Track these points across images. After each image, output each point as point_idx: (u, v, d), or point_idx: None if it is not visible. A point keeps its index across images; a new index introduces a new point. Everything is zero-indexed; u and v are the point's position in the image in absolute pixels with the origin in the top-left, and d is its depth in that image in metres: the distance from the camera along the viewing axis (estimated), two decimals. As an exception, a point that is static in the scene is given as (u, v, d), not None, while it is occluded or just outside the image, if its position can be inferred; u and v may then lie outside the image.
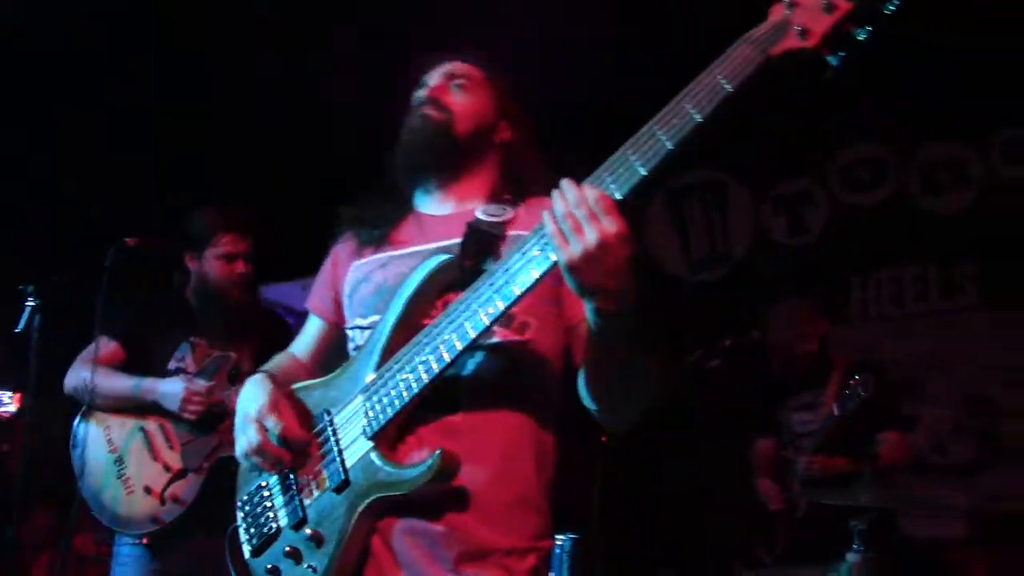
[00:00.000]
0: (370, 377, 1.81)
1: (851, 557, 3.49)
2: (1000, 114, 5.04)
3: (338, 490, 1.78)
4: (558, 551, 3.09)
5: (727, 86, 1.50)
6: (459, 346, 1.68)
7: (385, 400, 1.75)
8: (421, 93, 2.04)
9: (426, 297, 1.83)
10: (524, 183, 2.00)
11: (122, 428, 3.19)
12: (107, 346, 3.17)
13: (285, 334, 3.59)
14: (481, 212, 1.92)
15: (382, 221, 2.03)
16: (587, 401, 1.81)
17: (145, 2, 4.88)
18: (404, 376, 1.74)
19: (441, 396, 1.76)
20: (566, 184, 1.54)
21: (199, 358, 3.29)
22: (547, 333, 1.87)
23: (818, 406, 4.21)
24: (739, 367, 4.14)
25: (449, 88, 2.03)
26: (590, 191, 1.51)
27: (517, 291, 1.63)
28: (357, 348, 1.96)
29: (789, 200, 5.72)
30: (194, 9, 4.94)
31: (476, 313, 1.66)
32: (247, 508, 1.98)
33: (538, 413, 1.86)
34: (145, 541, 3.09)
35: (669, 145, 1.52)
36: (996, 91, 4.88)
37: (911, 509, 4.54)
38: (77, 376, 3.20)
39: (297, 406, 1.93)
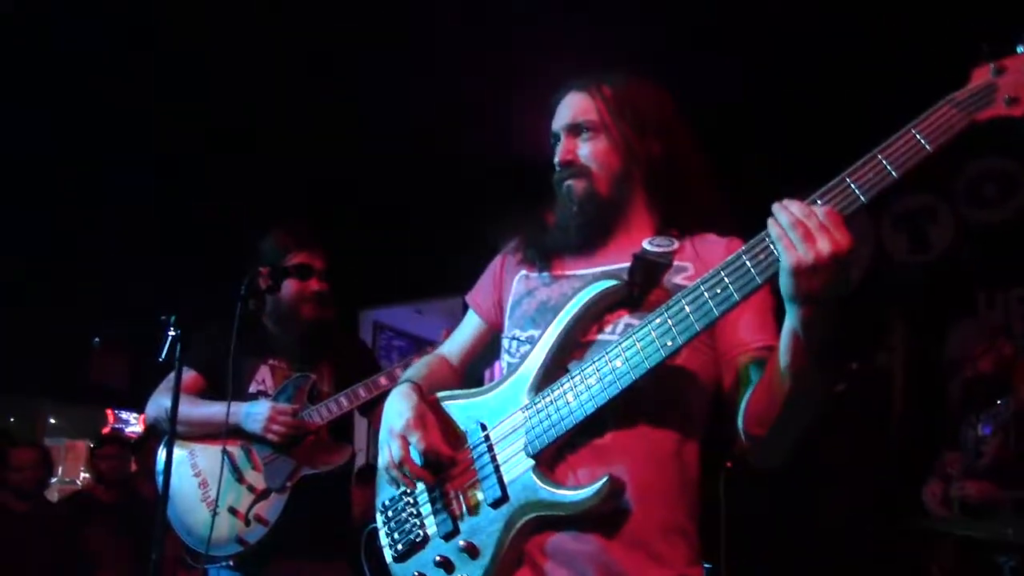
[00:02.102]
0: (529, 395, 1.82)
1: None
2: None
3: (495, 505, 1.79)
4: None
5: (928, 147, 1.50)
6: (633, 376, 1.68)
7: (548, 421, 1.75)
8: (558, 158, 2.03)
9: (587, 319, 1.84)
10: (687, 211, 2.00)
11: (205, 453, 3.21)
12: (187, 374, 3.16)
13: (364, 355, 3.60)
14: (648, 243, 1.93)
15: (551, 243, 2.05)
16: (751, 429, 1.75)
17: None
18: (570, 398, 1.74)
19: (590, 418, 1.75)
20: (788, 200, 1.54)
21: (279, 380, 3.31)
22: (698, 360, 1.85)
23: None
24: (865, 391, 4.02)
25: (579, 143, 2.02)
26: (817, 207, 1.52)
27: (698, 327, 1.62)
28: (511, 361, 1.98)
29: (910, 216, 5.54)
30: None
31: (653, 343, 1.66)
32: (390, 513, 2.00)
33: (684, 439, 1.84)
34: (232, 564, 3.10)
35: (863, 199, 1.52)
36: None
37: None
38: (158, 406, 3.21)
39: (444, 417, 1.96)
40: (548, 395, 1.78)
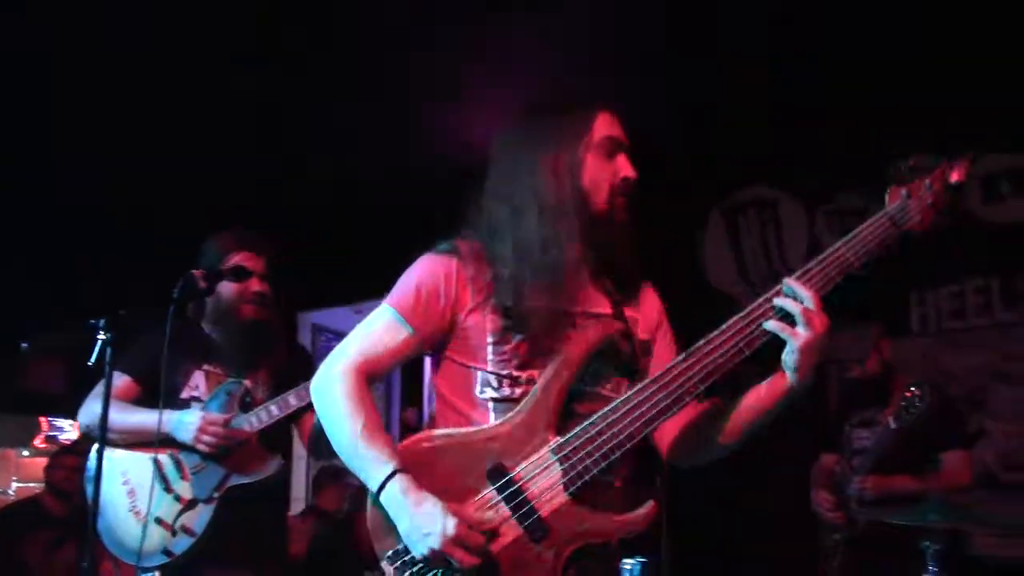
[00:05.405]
0: (550, 434, 1.92)
1: (927, 580, 3.41)
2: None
3: (538, 540, 1.86)
4: (628, 575, 3.07)
5: (855, 264, 1.98)
6: (670, 413, 1.92)
7: (589, 460, 1.89)
8: (629, 172, 2.09)
9: (592, 369, 1.98)
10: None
11: (134, 461, 3.17)
12: (120, 380, 3.15)
13: (303, 361, 3.56)
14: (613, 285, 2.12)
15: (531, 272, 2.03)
16: (690, 461, 2.16)
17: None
18: (606, 437, 1.90)
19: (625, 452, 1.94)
20: (798, 286, 1.91)
21: (212, 386, 3.27)
22: None
23: (877, 423, 4.14)
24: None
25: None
26: (811, 290, 1.91)
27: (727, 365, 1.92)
28: (505, 396, 1.99)
29: (844, 215, 5.65)
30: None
31: (685, 386, 1.91)
32: (406, 559, 1.91)
33: None
34: (158, 574, 3.08)
35: (837, 280, 1.95)
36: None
37: (981, 529, 4.44)
38: (90, 412, 3.17)
39: (442, 463, 1.93)
40: (582, 436, 1.91)
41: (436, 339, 2.07)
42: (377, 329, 2.06)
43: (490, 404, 1.99)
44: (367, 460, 1.91)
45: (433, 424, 2.08)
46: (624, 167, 2.08)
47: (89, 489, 3.03)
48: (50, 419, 8.31)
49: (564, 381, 1.93)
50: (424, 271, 2.06)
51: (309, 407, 3.14)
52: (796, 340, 1.86)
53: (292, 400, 3.15)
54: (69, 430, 8.02)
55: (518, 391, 1.97)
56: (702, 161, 5.58)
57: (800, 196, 5.80)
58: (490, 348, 2.01)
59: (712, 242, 6.04)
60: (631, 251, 2.11)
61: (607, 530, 1.90)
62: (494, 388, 2.00)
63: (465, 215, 2.14)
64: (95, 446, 2.99)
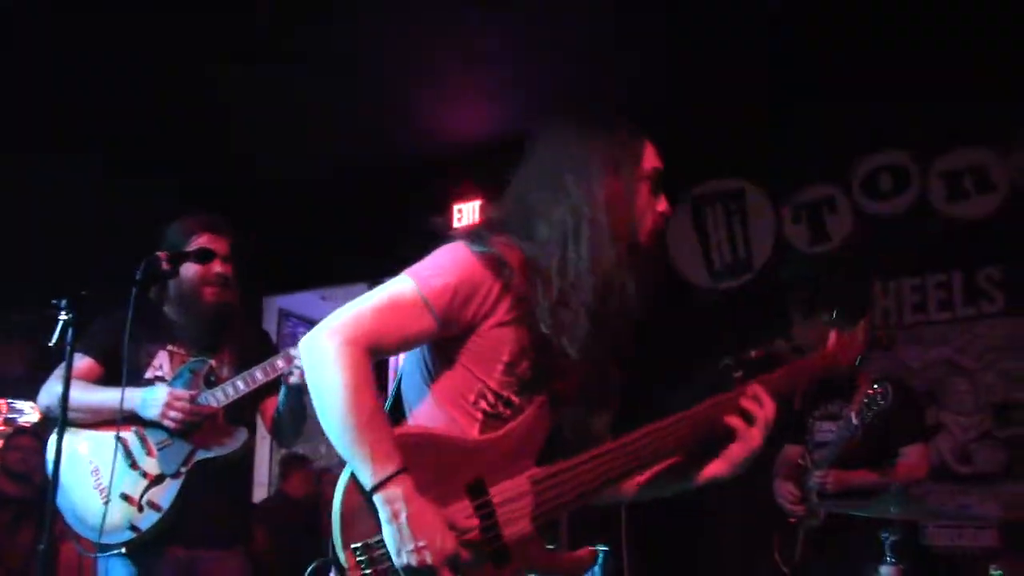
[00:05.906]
0: (532, 464, 1.94)
1: (884, 570, 3.46)
2: (1022, 117, 5.03)
3: (498, 563, 1.86)
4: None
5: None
6: (639, 471, 2.05)
7: (562, 499, 1.93)
8: (668, 208, 2.10)
9: (588, 403, 2.05)
10: None
11: (98, 440, 3.14)
12: (82, 361, 3.13)
13: (265, 342, 3.56)
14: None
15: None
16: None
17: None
18: (582, 480, 1.94)
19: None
20: (763, 395, 2.08)
21: (176, 365, 3.27)
22: None
23: (840, 417, 4.18)
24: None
25: None
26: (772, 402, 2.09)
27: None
28: (497, 412, 1.94)
29: (810, 207, 5.70)
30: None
31: (659, 452, 2.03)
32: (376, 554, 1.84)
33: None
34: (124, 551, 3.06)
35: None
36: (1017, 94, 4.87)
37: (937, 520, 4.51)
38: (50, 393, 3.16)
39: (433, 461, 1.87)
40: (564, 473, 1.94)
41: (446, 337, 1.94)
42: (398, 304, 1.86)
43: (479, 416, 1.94)
44: (369, 451, 1.75)
45: (413, 421, 2.00)
46: (663, 202, 2.09)
47: (49, 470, 3.01)
48: (9, 401, 8.22)
49: (557, 415, 1.98)
50: (465, 273, 1.90)
51: (274, 386, 3.17)
52: (750, 441, 2.04)
53: (259, 375, 3.16)
54: (29, 412, 7.93)
55: (508, 412, 1.94)
56: (667, 152, 5.60)
57: (767, 188, 5.84)
58: (503, 366, 1.93)
59: (678, 230, 6.06)
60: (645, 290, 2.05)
61: (558, 567, 1.97)
62: (489, 403, 1.93)
63: (497, 216, 2.06)
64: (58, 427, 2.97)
